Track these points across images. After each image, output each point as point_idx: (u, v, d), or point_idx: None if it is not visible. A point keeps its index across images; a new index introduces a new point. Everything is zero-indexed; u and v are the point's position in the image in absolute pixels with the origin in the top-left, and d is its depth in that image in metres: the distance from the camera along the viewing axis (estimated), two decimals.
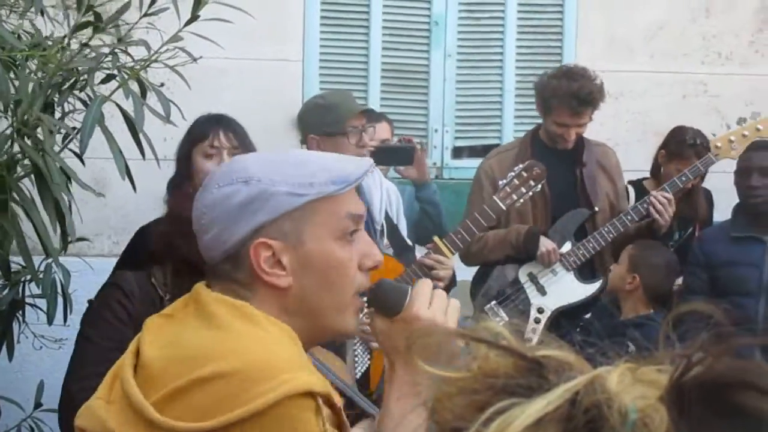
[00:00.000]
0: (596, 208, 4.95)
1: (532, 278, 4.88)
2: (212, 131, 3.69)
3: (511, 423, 0.78)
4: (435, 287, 1.92)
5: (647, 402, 0.79)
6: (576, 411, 0.78)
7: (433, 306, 1.82)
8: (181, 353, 1.71)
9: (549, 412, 0.78)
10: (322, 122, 4.21)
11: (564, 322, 4.83)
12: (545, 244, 4.80)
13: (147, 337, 1.79)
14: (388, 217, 4.38)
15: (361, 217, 1.84)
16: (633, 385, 0.81)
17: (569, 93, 4.78)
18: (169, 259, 2.98)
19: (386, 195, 4.41)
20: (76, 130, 3.60)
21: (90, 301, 3.42)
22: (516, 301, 4.83)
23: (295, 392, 1.62)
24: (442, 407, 0.86)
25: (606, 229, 4.87)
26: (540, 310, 4.82)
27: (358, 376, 3.96)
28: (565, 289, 4.81)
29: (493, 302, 4.82)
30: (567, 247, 4.87)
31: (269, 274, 1.76)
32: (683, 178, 4.98)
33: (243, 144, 3.66)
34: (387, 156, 4.66)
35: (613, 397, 0.79)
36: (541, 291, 4.86)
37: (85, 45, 3.78)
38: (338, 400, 1.73)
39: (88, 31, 3.69)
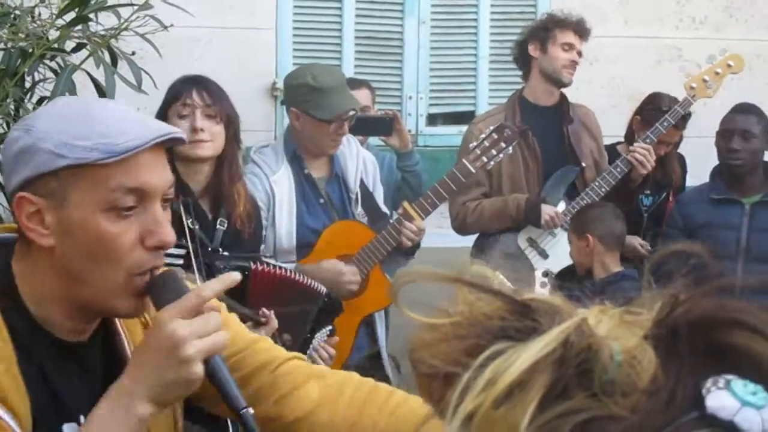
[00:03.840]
0: (583, 164, 4.96)
1: (532, 243, 4.88)
2: (186, 91, 3.64)
3: (508, 366, 0.77)
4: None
5: (632, 343, 0.78)
6: (568, 353, 0.77)
7: (187, 322, 1.63)
8: None
9: (544, 355, 0.78)
10: (308, 102, 4.15)
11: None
12: (547, 211, 4.79)
13: None
14: (363, 186, 4.36)
15: (147, 192, 1.66)
16: (616, 326, 0.80)
17: (569, 17, 4.94)
18: None
19: (362, 164, 4.39)
20: (44, 99, 3.57)
21: None
22: (519, 268, 4.82)
23: None
24: (429, 354, 0.85)
25: (597, 183, 4.88)
26: (545, 274, 4.82)
27: None
28: (566, 249, 4.80)
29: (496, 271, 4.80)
30: (561, 206, 4.86)
31: (31, 230, 1.66)
32: (665, 124, 4.99)
33: (218, 102, 3.61)
34: (366, 126, 4.64)
35: (601, 339, 0.78)
36: (543, 254, 4.86)
37: (58, 14, 3.74)
38: None
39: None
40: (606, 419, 0.75)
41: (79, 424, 1.71)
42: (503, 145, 4.36)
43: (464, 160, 4.35)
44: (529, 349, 0.77)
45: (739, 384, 0.75)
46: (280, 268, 3.54)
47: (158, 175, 1.68)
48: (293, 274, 3.56)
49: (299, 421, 1.90)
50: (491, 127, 4.42)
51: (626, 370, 0.77)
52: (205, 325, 1.64)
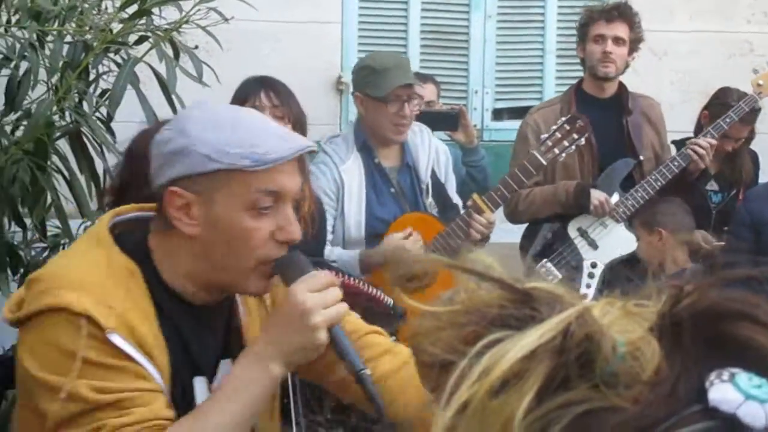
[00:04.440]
0: (642, 157, 4.89)
1: (582, 233, 4.82)
2: (253, 92, 3.68)
3: (504, 355, 0.76)
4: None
5: (637, 335, 0.77)
6: (568, 343, 0.76)
7: (315, 295, 1.89)
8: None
9: (542, 344, 0.76)
10: (367, 83, 4.18)
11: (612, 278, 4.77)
12: (596, 196, 4.73)
13: None
14: (434, 176, 4.34)
15: (282, 194, 1.91)
16: (620, 317, 0.79)
17: (600, 8, 4.91)
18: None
19: (434, 154, 4.37)
20: (107, 92, 3.62)
21: None
22: (568, 258, 4.77)
23: (52, 306, 1.82)
24: (429, 342, 0.84)
25: (653, 177, 4.81)
26: (593, 265, 4.76)
27: None
28: (616, 240, 4.74)
29: (545, 260, 4.77)
30: (615, 198, 4.80)
31: (177, 219, 1.90)
32: (727, 120, 4.92)
33: (286, 103, 3.64)
34: (432, 121, 4.62)
35: (604, 330, 0.76)
36: (593, 245, 4.80)
37: (120, 7, 3.78)
38: (107, 324, 1.81)
39: None
40: (606, 410, 0.74)
41: (208, 377, 1.99)
42: (575, 136, 4.31)
43: (535, 152, 4.29)
44: (526, 338, 0.76)
45: (743, 377, 0.74)
46: (349, 276, 3.54)
47: (292, 181, 1.93)
48: (359, 282, 3.56)
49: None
50: (563, 118, 4.38)
51: (630, 362, 0.76)
52: (328, 298, 1.90)
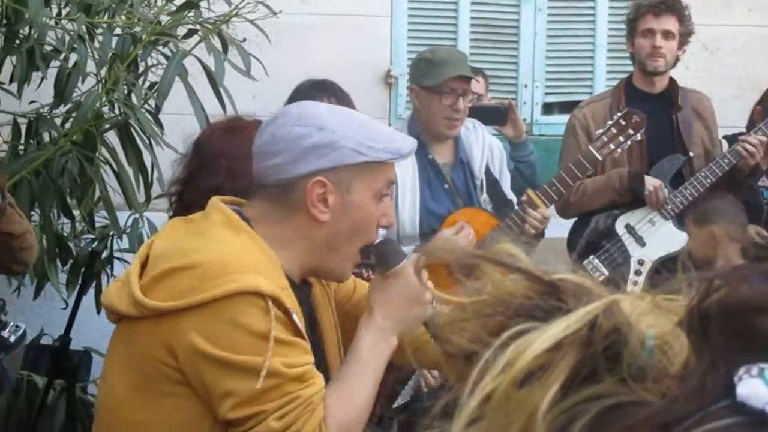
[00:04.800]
0: (691, 154, 4.84)
1: (630, 230, 4.78)
2: (312, 97, 3.68)
3: (528, 346, 0.75)
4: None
5: (665, 329, 0.75)
6: (595, 335, 0.75)
7: (422, 276, 2.10)
8: (174, 247, 2.09)
9: (568, 336, 0.75)
10: (423, 74, 4.20)
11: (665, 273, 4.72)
12: (651, 182, 4.69)
13: (162, 233, 2.24)
14: (488, 172, 4.33)
15: (393, 183, 2.21)
16: (650, 311, 0.77)
17: (648, 2, 4.80)
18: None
19: (488, 150, 4.36)
20: (156, 85, 3.64)
21: None
22: (615, 254, 4.73)
23: (240, 290, 1.95)
24: (454, 332, 0.84)
25: (703, 174, 4.75)
26: (640, 262, 4.72)
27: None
28: (664, 238, 4.68)
29: (591, 256, 4.73)
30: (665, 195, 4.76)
31: (315, 207, 2.10)
32: None
33: (345, 106, 3.66)
34: (480, 115, 4.60)
35: (632, 323, 0.75)
36: (640, 242, 4.75)
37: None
38: (288, 304, 2.00)
39: None
40: (633, 404, 0.73)
41: (322, 350, 2.24)
42: (631, 132, 4.28)
43: (591, 147, 4.28)
44: (551, 329, 0.75)
45: None
46: None
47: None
48: None
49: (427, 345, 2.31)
50: (618, 114, 4.35)
51: (658, 356, 0.74)
52: (426, 277, 2.11)
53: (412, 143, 2.17)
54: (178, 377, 2.00)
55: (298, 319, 2.03)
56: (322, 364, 2.17)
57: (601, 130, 4.32)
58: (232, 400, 1.96)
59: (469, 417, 0.75)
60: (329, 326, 2.32)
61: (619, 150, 4.31)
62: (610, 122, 4.31)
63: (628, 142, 4.30)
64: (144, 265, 2.09)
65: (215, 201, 2.17)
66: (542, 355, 0.74)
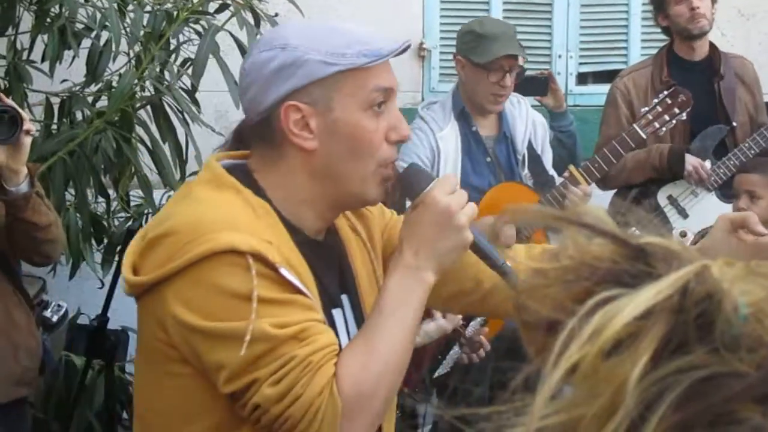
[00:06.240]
0: (734, 123, 4.76)
1: (672, 201, 4.72)
2: None
3: (617, 314, 0.71)
4: None
5: (760, 295, 0.71)
6: (687, 302, 0.70)
7: (453, 196, 1.90)
8: (157, 216, 1.98)
9: (659, 302, 0.71)
10: (471, 48, 4.15)
11: None
12: (691, 161, 4.63)
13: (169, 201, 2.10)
14: (531, 148, 4.30)
15: (392, 90, 1.92)
16: (743, 277, 0.72)
17: None
18: None
19: (531, 125, 4.33)
20: (187, 62, 3.60)
21: None
22: (657, 226, 4.67)
23: (213, 250, 1.75)
24: (534, 300, 0.79)
25: (747, 144, 4.67)
26: (683, 234, 4.66)
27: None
28: (707, 210, 4.62)
29: (633, 229, 4.67)
30: (707, 165, 4.69)
31: (297, 136, 1.88)
32: None
33: None
34: (521, 86, 4.54)
35: (725, 289, 0.70)
36: (683, 214, 4.70)
37: None
38: (275, 259, 1.78)
39: None
40: (727, 376, 0.68)
41: (342, 308, 2.01)
42: (677, 110, 4.24)
43: (636, 126, 4.25)
44: (641, 296, 0.70)
45: None
46: None
47: (395, 77, 1.93)
48: None
49: (491, 293, 2.12)
50: (665, 92, 4.29)
51: (753, 324, 0.70)
52: (463, 198, 1.91)
53: (396, 41, 1.89)
54: (176, 355, 1.84)
55: (291, 273, 1.81)
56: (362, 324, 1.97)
57: (647, 108, 4.28)
58: (224, 373, 1.78)
59: (552, 389, 0.71)
60: (369, 283, 2.08)
61: (664, 129, 4.29)
62: (656, 100, 4.28)
63: (674, 121, 4.28)
64: None
65: (209, 158, 2.00)
66: (632, 323, 0.70)
